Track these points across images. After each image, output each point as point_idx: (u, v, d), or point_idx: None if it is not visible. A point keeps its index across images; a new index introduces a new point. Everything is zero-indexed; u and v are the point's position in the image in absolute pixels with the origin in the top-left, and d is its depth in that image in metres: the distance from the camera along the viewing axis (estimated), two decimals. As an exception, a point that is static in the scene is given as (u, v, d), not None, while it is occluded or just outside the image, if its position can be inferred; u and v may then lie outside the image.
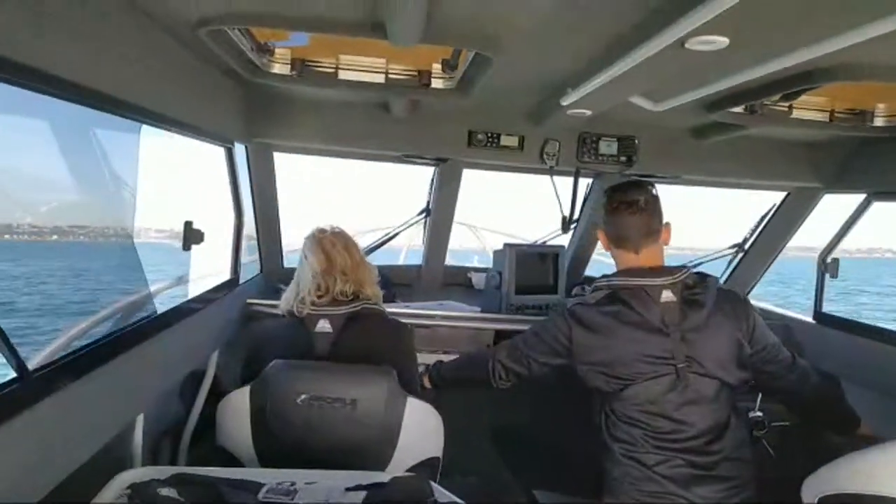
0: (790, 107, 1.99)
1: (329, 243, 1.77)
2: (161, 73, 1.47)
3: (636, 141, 2.42)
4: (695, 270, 1.71)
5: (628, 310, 1.63)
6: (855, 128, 2.02)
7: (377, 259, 2.60)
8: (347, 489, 1.19)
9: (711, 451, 1.59)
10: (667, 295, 1.62)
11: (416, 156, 2.37)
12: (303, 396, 1.41)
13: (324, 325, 1.63)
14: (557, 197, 2.47)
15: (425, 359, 3.08)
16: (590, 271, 3.07)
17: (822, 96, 1.93)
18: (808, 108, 1.99)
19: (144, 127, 1.52)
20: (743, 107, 1.95)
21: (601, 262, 3.19)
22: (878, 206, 2.23)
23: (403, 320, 1.97)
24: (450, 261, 2.99)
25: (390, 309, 2.01)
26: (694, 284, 1.66)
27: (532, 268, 2.63)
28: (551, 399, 3.06)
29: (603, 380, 1.65)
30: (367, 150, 2.34)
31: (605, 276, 1.74)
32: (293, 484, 1.19)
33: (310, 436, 1.41)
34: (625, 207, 1.68)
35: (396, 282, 2.81)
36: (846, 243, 2.42)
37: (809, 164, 2.46)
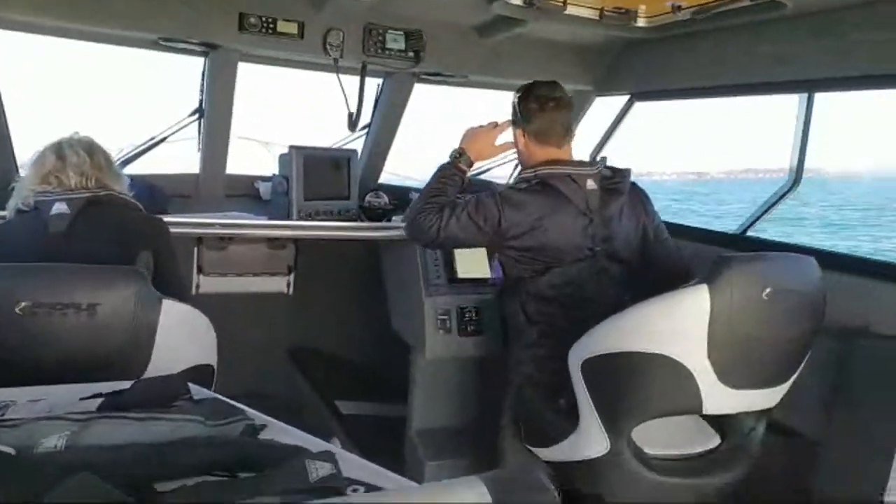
0: (564, 2, 2.03)
1: (67, 145, 1.56)
2: None
3: (423, 37, 2.34)
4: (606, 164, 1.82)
5: (557, 194, 1.73)
6: (621, 27, 2.14)
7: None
8: (82, 399, 1.01)
9: None
10: (590, 183, 1.75)
11: (179, 39, 2.05)
12: (23, 304, 1.17)
13: (60, 207, 1.42)
14: (344, 94, 2.33)
15: (218, 285, 2.89)
16: (383, 180, 3.02)
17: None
18: (581, 4, 2.06)
19: None
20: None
21: (393, 173, 3.16)
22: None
23: (179, 231, 1.78)
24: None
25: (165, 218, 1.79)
26: (612, 175, 1.80)
27: (322, 173, 2.49)
28: (347, 317, 3.06)
29: (526, 261, 1.75)
30: (115, 30, 1.98)
31: (530, 168, 1.79)
32: (6, 406, 0.98)
33: (34, 351, 1.18)
34: (553, 104, 1.78)
35: (170, 193, 2.51)
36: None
37: (583, 66, 2.59)
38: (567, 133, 1.82)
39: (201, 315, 1.42)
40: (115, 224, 1.54)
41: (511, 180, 1.87)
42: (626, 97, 2.43)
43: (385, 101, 2.60)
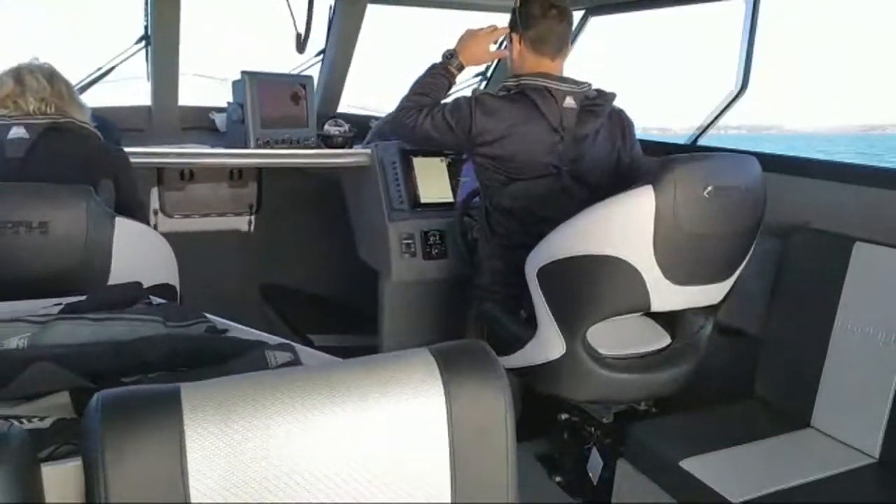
0: None
1: (27, 70, 1.52)
2: None
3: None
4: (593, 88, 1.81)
5: (532, 106, 1.72)
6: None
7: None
8: (44, 308, 1.02)
9: None
10: (569, 101, 1.73)
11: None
12: (-30, 223, 1.16)
13: (18, 132, 1.42)
14: (291, 13, 2.25)
15: (180, 226, 2.86)
16: (342, 109, 2.98)
17: None
18: None
19: None
20: None
21: (358, 107, 3.13)
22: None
23: (137, 162, 1.76)
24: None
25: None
26: (595, 97, 1.78)
27: (278, 101, 2.45)
28: (313, 250, 3.07)
29: (492, 170, 1.77)
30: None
31: (515, 76, 1.79)
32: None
33: None
34: (555, 13, 1.76)
35: (122, 127, 2.45)
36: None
37: None
38: (562, 46, 1.79)
39: (158, 235, 1.43)
40: (76, 152, 1.51)
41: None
42: (582, 12, 2.41)
43: (337, 25, 2.54)
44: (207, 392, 0.65)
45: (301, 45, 2.29)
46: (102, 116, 2.33)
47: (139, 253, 1.36)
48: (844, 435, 1.39)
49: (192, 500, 0.61)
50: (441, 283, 2.34)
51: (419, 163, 2.43)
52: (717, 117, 2.00)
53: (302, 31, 2.26)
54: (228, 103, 2.40)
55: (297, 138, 2.44)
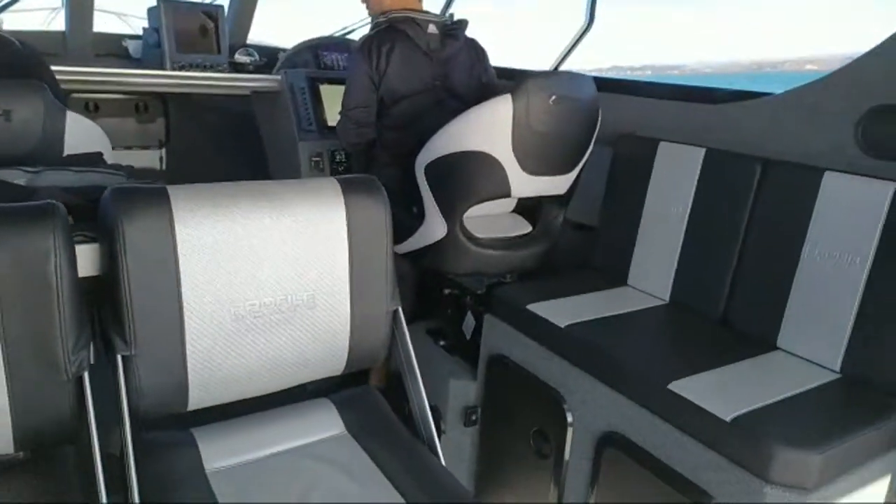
0: None
1: None
2: None
3: None
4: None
5: (405, 36, 2.08)
6: None
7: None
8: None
9: None
10: (432, 28, 2.12)
11: None
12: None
13: None
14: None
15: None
16: (252, 39, 3.18)
17: None
18: None
19: None
20: None
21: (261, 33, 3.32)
22: None
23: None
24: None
25: None
26: (453, 26, 2.19)
27: (191, 29, 2.65)
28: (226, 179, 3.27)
29: (385, 94, 2.09)
30: None
31: (382, 13, 2.14)
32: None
33: None
34: None
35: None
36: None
37: None
38: None
39: (100, 131, 1.67)
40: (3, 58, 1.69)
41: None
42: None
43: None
44: (188, 191, 0.99)
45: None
46: (17, 39, 2.45)
47: (85, 142, 1.60)
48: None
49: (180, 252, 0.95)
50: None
51: (325, 90, 2.72)
52: (569, 50, 2.43)
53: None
54: (144, 29, 2.58)
55: (210, 63, 2.66)
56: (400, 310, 1.28)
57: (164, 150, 3.18)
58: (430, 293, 2.29)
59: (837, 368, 1.46)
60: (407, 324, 2.32)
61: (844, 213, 1.46)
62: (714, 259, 1.72)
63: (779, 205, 1.58)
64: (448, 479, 1.12)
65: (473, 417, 1.95)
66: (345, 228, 1.09)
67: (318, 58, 2.90)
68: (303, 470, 1.10)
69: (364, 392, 1.36)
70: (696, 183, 1.77)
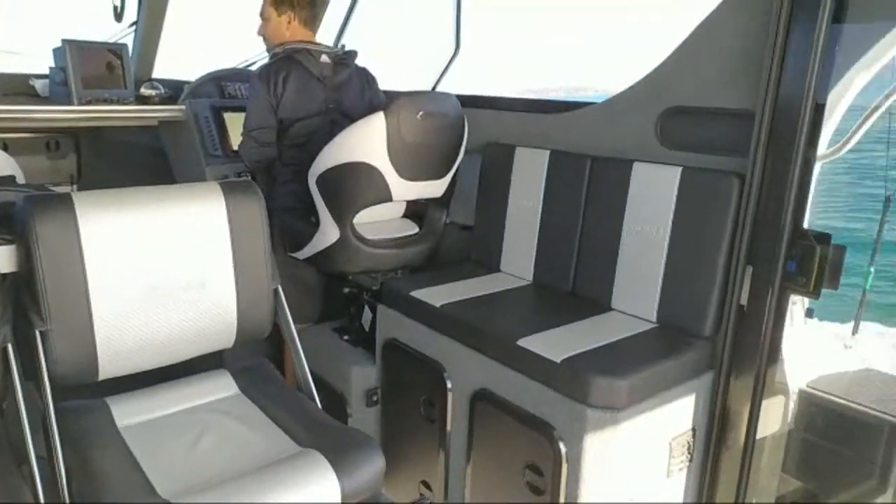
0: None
1: None
2: None
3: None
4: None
5: (300, 65, 2.34)
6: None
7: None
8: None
9: None
10: (325, 58, 2.40)
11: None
12: None
13: None
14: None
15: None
16: (157, 74, 3.36)
17: None
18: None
19: None
20: None
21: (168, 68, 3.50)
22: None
23: None
24: None
25: None
26: (344, 55, 2.46)
27: (97, 66, 2.82)
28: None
29: (284, 117, 2.32)
30: None
31: (280, 45, 2.41)
32: None
33: None
34: (312, 0, 2.43)
35: None
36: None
37: None
38: (320, 21, 2.51)
39: (15, 164, 1.85)
40: None
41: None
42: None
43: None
44: (90, 195, 1.21)
45: (118, 15, 2.69)
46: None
47: (-1, 170, 1.78)
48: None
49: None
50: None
51: (229, 117, 2.93)
52: (442, 73, 2.76)
53: (118, 3, 2.66)
54: (51, 68, 2.73)
55: (117, 98, 2.83)
56: (280, 288, 1.52)
57: (76, 187, 3.28)
58: (334, 294, 2.54)
59: (654, 319, 1.80)
60: (315, 323, 2.56)
61: (649, 194, 1.81)
62: (562, 242, 2.05)
63: (604, 192, 1.93)
64: (328, 421, 1.37)
65: (374, 398, 2.20)
66: (226, 223, 1.33)
67: (222, 88, 3.11)
68: (199, 421, 1.32)
69: (259, 363, 1.59)
70: (544, 180, 2.10)
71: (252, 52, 3.23)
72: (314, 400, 1.48)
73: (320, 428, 1.33)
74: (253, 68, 3.36)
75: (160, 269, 1.29)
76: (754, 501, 1.71)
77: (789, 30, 1.48)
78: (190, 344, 1.35)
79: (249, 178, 2.88)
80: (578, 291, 2.01)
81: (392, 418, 2.16)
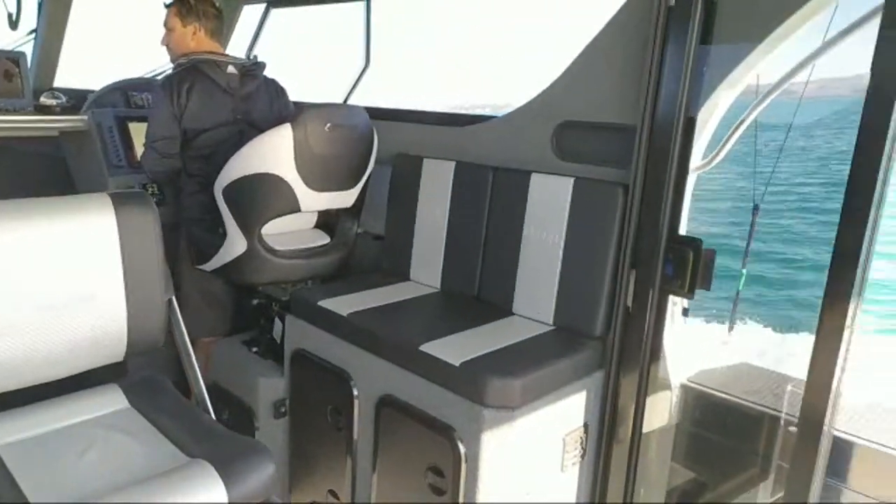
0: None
1: None
2: None
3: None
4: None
5: (204, 75, 2.31)
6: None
7: None
8: None
9: None
10: (231, 69, 2.38)
11: None
12: None
13: None
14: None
15: None
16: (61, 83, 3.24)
17: None
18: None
19: None
20: None
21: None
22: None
23: None
24: None
25: None
26: (251, 66, 2.45)
27: (-10, 74, 2.70)
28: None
29: (188, 127, 2.29)
30: None
31: (184, 56, 2.38)
32: None
33: None
34: (219, 10, 2.46)
35: None
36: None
37: None
38: (222, 32, 2.49)
39: None
40: None
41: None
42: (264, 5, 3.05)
43: (47, 5, 2.84)
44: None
45: (13, 23, 2.59)
46: None
47: None
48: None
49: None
50: (162, 227, 2.81)
51: (134, 127, 2.86)
52: (353, 87, 2.81)
53: (13, 10, 2.56)
54: (-63, 74, 2.59)
55: (14, 107, 2.72)
56: (174, 299, 1.51)
57: None
58: (245, 307, 2.51)
59: (551, 322, 1.89)
60: (224, 336, 2.52)
61: (546, 203, 1.91)
62: (468, 250, 2.12)
63: (505, 202, 2.02)
64: (220, 431, 1.36)
65: (283, 409, 2.19)
66: (116, 234, 1.31)
67: (128, 98, 3.03)
68: (85, 437, 1.29)
69: (151, 377, 1.57)
70: (450, 190, 2.17)
71: (161, 62, 3.16)
72: (208, 411, 1.47)
73: (211, 438, 1.32)
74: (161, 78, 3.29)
75: (47, 282, 1.26)
76: (643, 492, 1.81)
77: (664, 51, 1.60)
78: (79, 358, 1.31)
79: (155, 189, 2.82)
80: (483, 297, 2.08)
81: (300, 429, 2.15)
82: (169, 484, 1.14)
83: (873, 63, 1.28)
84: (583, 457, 1.77)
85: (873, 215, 1.32)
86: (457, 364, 1.63)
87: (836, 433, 1.54)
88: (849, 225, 1.33)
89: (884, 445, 1.77)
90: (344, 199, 2.30)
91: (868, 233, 1.32)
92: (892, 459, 1.73)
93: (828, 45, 1.52)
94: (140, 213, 1.37)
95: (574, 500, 1.79)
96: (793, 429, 1.50)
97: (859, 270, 1.33)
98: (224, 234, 2.23)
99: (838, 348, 1.37)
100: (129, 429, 1.34)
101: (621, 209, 1.74)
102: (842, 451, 1.71)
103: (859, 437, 1.80)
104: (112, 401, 1.44)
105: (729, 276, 1.95)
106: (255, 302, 2.43)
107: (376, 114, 2.38)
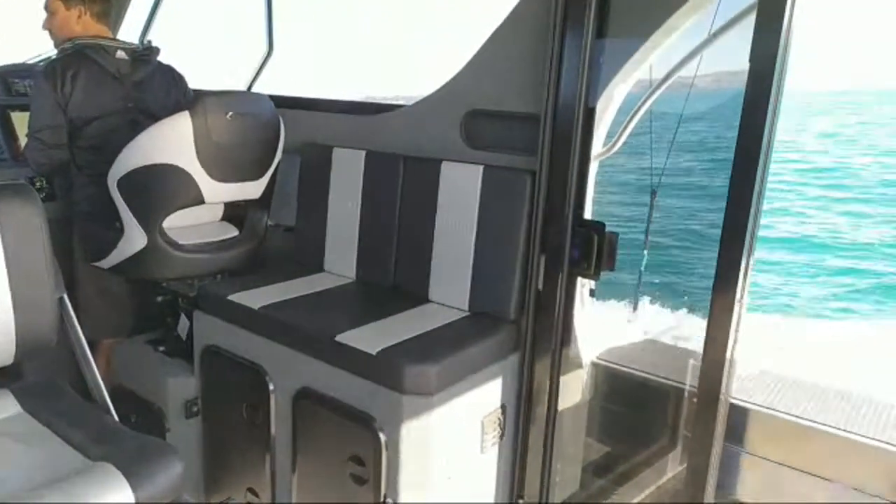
0: None
1: None
2: None
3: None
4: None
5: (91, 61, 2.16)
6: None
7: None
8: None
9: None
10: (121, 53, 2.24)
11: None
12: None
13: None
14: None
15: None
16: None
17: None
18: None
19: None
20: None
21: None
22: None
23: None
24: None
25: None
26: (143, 52, 2.31)
27: None
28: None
29: (75, 116, 2.14)
30: None
31: (70, 40, 2.22)
32: None
33: None
34: None
35: None
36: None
37: None
38: (109, 15, 2.33)
39: None
40: None
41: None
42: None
43: None
44: None
45: None
46: None
47: None
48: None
49: None
50: (54, 222, 2.61)
51: (17, 117, 2.64)
52: (256, 74, 2.72)
53: None
54: None
55: None
56: (66, 297, 1.42)
57: None
58: (148, 304, 2.38)
59: (467, 308, 1.92)
60: (128, 336, 2.39)
61: (457, 191, 1.93)
62: (382, 239, 2.11)
63: (417, 190, 2.02)
64: (123, 432, 1.30)
65: (195, 409, 2.11)
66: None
67: (9, 85, 2.79)
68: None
69: (47, 382, 1.47)
70: (361, 179, 2.15)
71: (46, 46, 2.93)
72: (110, 413, 1.40)
73: (114, 440, 1.25)
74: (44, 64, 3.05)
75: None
76: (559, 467, 1.88)
77: (563, 43, 1.65)
78: None
79: (44, 182, 2.63)
80: (399, 286, 2.08)
81: (215, 428, 2.09)
82: (71, 488, 1.08)
83: (751, 53, 1.38)
84: (501, 437, 1.82)
85: (756, 196, 1.43)
86: (374, 353, 1.63)
87: (732, 400, 1.66)
88: (735, 207, 1.44)
89: (774, 409, 1.93)
90: (251, 189, 2.22)
91: (752, 216, 1.42)
92: (782, 422, 1.89)
93: (711, 38, 1.63)
94: (22, 206, 1.27)
95: (494, 480, 1.84)
96: (696, 400, 1.61)
97: (745, 249, 1.44)
98: (121, 229, 2.11)
99: (730, 322, 1.48)
100: (24, 435, 1.25)
101: (529, 196, 1.79)
102: (738, 417, 1.85)
103: (753, 403, 1.95)
104: (3, 407, 1.33)
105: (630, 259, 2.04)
106: (159, 299, 2.32)
107: (283, 102, 2.31)
